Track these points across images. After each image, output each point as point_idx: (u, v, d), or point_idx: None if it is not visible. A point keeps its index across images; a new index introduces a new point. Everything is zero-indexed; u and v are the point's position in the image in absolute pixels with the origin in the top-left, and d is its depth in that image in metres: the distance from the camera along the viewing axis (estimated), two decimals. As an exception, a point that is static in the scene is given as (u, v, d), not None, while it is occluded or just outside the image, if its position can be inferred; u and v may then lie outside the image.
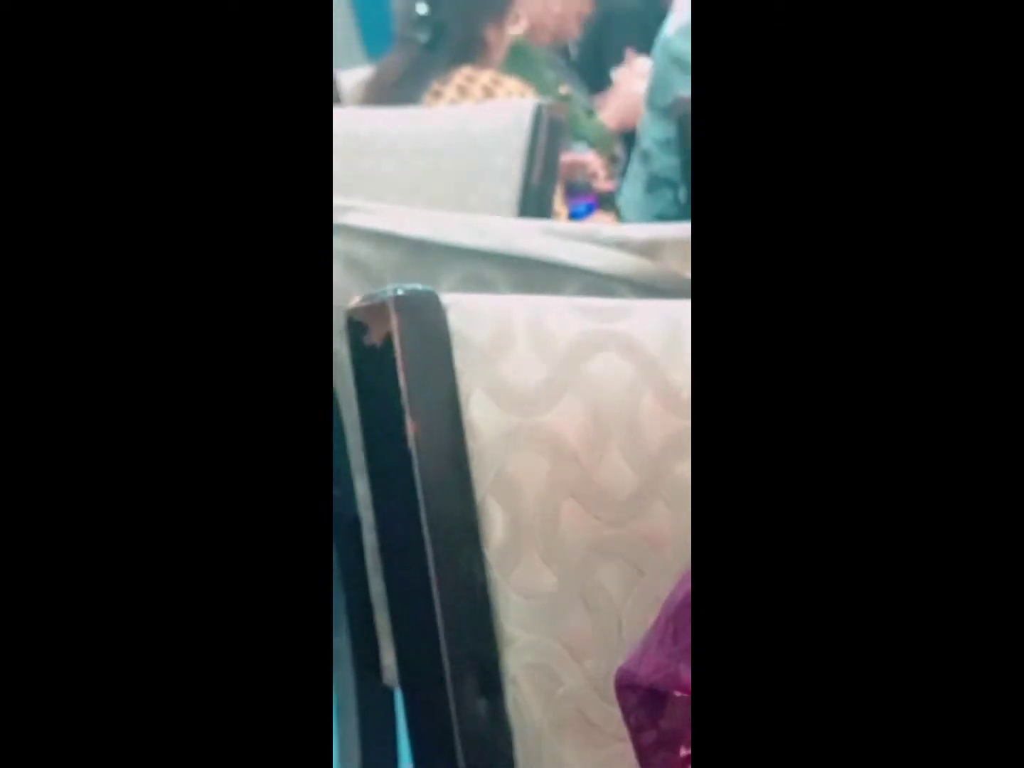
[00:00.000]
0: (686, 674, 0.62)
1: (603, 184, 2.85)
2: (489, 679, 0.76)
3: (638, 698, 0.64)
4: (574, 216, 2.70)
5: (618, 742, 0.73)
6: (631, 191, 2.60)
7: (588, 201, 2.87)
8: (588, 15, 4.01)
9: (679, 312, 0.85)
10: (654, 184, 2.49)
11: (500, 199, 1.90)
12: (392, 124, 2.08)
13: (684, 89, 2.32)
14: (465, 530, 0.78)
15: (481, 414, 0.80)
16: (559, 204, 2.26)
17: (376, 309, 0.79)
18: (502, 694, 0.76)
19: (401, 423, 0.78)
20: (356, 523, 1.03)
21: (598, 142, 2.93)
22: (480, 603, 0.77)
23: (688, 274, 0.93)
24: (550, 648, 0.76)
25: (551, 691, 0.76)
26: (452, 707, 0.75)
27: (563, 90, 3.01)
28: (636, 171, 2.61)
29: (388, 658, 1.00)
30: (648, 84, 2.60)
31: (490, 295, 0.90)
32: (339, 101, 2.51)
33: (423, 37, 2.41)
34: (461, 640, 0.76)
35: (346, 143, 1.95)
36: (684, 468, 0.80)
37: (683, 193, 2.34)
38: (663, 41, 2.53)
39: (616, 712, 0.68)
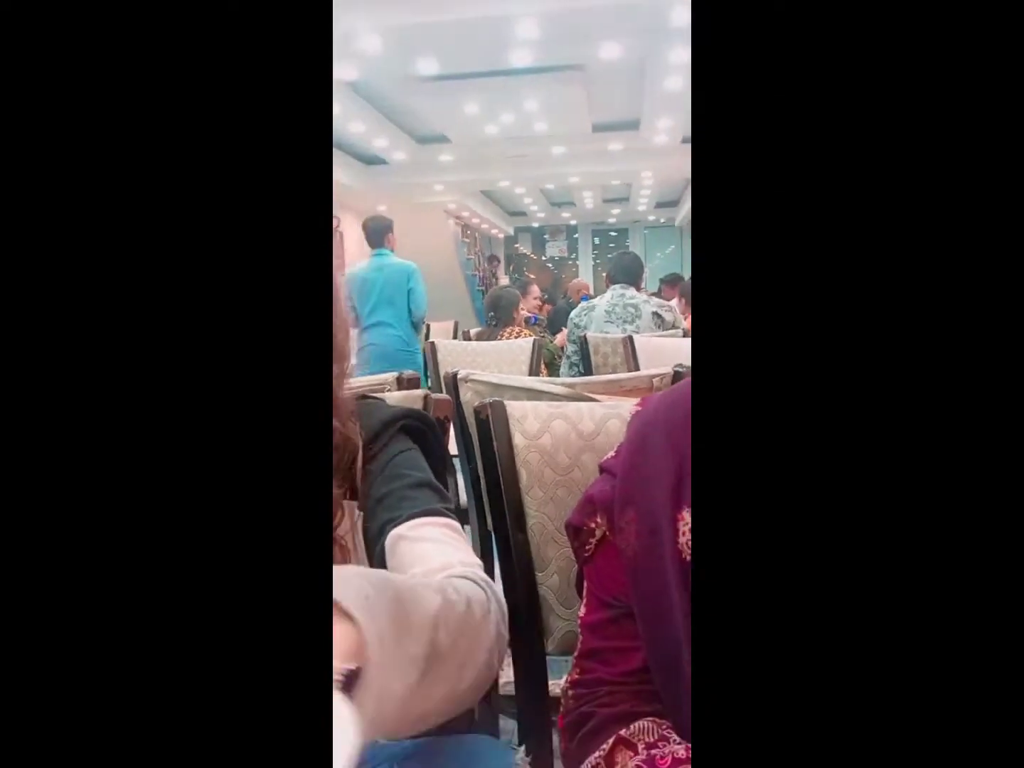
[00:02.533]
0: None
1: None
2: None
3: None
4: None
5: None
6: (562, 371, 3.90)
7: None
8: (551, 309, 6.25)
9: (583, 408, 1.08)
10: (571, 367, 3.76)
11: (523, 370, 3.23)
12: (487, 346, 3.45)
13: (588, 333, 3.58)
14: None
15: (523, 455, 1.03)
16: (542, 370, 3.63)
17: (484, 407, 1.06)
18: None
19: (492, 449, 1.05)
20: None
21: (554, 351, 4.61)
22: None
23: (585, 393, 1.25)
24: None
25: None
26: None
27: (541, 332, 4.89)
28: (564, 363, 3.92)
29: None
30: (567, 333, 3.96)
31: (517, 402, 1.10)
32: (469, 339, 4.17)
33: (493, 321, 3.90)
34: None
35: (470, 355, 3.26)
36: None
37: (584, 367, 3.49)
38: (570, 317, 3.86)
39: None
